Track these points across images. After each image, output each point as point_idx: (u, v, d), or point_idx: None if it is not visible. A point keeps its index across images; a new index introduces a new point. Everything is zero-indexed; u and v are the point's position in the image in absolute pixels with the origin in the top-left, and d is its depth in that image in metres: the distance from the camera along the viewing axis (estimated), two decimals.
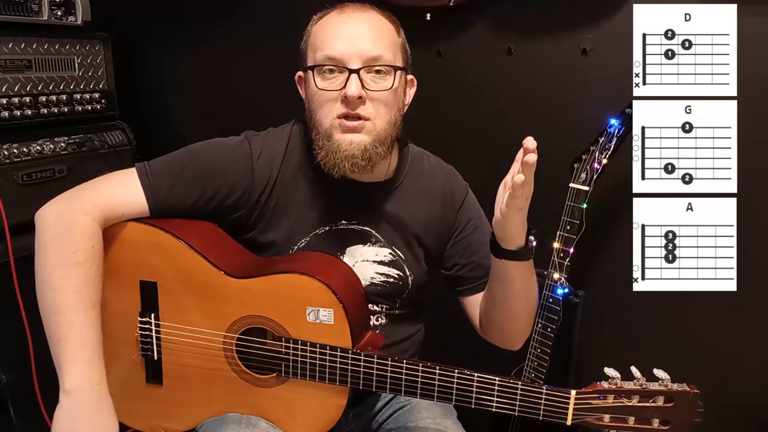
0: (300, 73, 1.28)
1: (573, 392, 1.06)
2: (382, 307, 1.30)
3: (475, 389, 1.09)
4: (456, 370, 1.10)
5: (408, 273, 1.30)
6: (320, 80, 1.19)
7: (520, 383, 1.07)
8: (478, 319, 1.33)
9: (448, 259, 1.34)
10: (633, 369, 1.06)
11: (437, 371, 1.10)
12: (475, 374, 1.09)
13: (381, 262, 1.29)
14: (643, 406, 1.05)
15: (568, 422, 1.07)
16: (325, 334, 1.14)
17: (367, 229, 1.28)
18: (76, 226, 1.13)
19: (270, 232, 1.26)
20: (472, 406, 1.10)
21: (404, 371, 1.11)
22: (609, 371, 1.06)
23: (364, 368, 1.13)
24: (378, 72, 1.18)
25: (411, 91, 1.30)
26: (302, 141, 1.29)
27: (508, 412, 1.09)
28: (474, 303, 1.34)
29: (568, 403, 1.06)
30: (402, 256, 1.29)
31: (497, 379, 1.08)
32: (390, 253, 1.29)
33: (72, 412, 1.09)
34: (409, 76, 1.28)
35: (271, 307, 1.17)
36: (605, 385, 1.06)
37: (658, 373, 1.06)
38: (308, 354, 1.15)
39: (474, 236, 1.33)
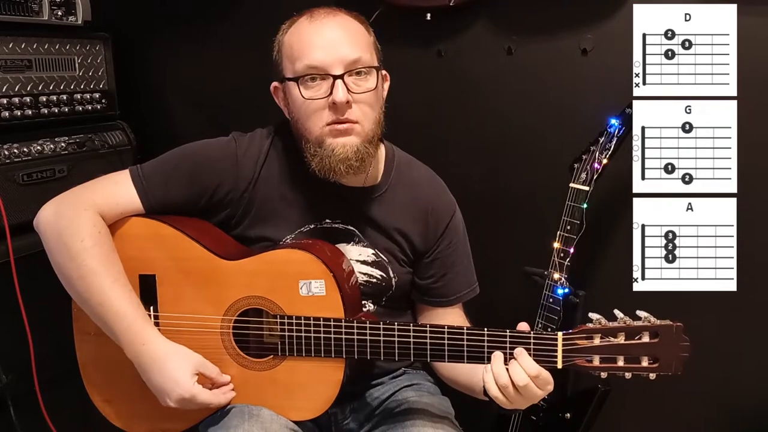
0: (276, 84, 1.28)
1: (560, 333, 1.08)
2: (365, 303, 1.31)
3: (465, 342, 1.11)
4: (446, 327, 1.12)
5: (392, 274, 1.31)
6: (305, 90, 1.19)
7: (508, 331, 1.10)
8: None
9: (419, 270, 1.35)
10: (616, 311, 1.08)
11: (428, 330, 1.12)
12: (465, 328, 1.11)
13: (365, 262, 1.30)
14: (630, 344, 1.06)
15: (559, 365, 1.08)
16: (318, 307, 1.16)
17: (351, 228, 1.29)
18: (78, 217, 1.16)
19: (255, 228, 1.28)
20: (465, 361, 1.12)
21: (396, 334, 1.13)
22: (593, 315, 1.09)
23: (358, 336, 1.14)
24: (359, 74, 1.19)
25: (386, 85, 1.31)
26: (285, 142, 1.30)
27: None
28: (427, 315, 1.37)
29: (556, 345, 1.08)
30: (385, 258, 1.31)
31: (486, 329, 1.10)
32: (373, 254, 1.30)
33: (148, 368, 1.15)
34: (383, 72, 1.29)
35: (264, 286, 1.18)
36: (590, 325, 1.08)
37: (640, 313, 1.08)
38: (303, 329, 1.16)
39: (450, 258, 1.35)
